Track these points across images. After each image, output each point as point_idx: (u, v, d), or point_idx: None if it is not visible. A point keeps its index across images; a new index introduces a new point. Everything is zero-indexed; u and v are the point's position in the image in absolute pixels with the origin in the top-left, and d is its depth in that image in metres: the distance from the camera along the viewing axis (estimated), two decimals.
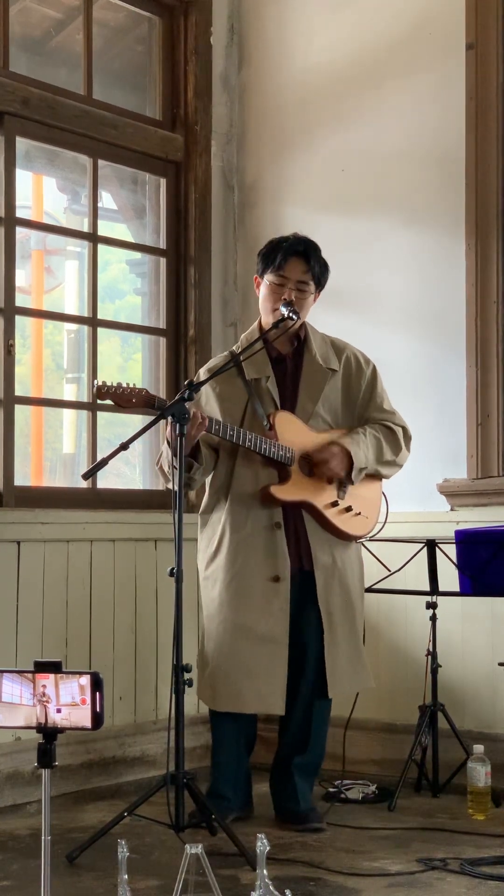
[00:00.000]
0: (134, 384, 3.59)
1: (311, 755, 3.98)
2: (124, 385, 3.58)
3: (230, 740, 3.98)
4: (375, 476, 4.05)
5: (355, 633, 3.97)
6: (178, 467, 3.53)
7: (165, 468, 3.84)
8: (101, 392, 3.58)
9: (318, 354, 4.00)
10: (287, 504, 3.87)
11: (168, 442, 3.72)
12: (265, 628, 3.82)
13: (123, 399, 3.59)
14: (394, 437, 4.02)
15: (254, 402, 3.90)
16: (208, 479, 4.00)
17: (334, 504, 3.92)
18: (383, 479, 4.10)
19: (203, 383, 3.80)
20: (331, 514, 3.90)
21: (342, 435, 3.94)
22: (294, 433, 3.89)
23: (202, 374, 4.07)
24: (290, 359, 4.00)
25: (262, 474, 3.87)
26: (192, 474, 3.84)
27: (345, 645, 3.92)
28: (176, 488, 3.56)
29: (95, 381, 3.64)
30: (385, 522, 4.06)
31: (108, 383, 3.58)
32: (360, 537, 4.03)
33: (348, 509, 3.94)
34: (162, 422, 3.63)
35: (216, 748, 4.02)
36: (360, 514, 3.98)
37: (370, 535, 4.05)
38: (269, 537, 3.85)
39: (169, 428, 3.66)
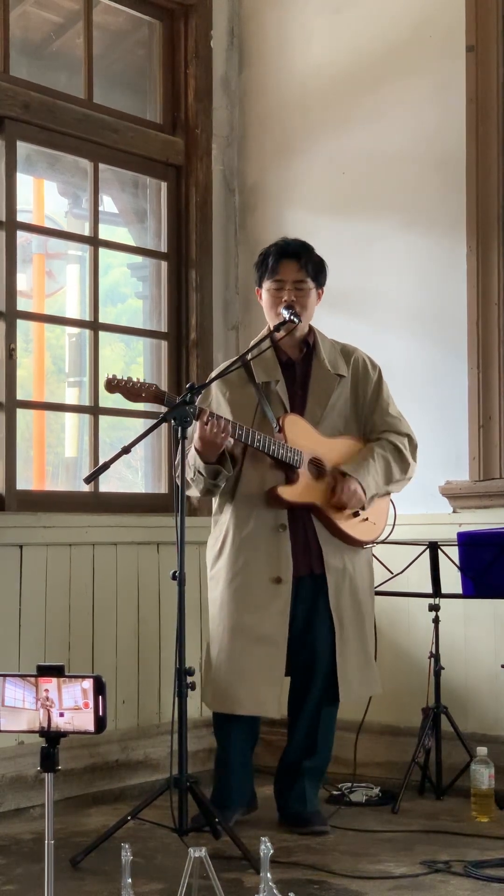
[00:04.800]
0: (144, 379, 3.61)
1: (319, 758, 3.97)
2: (134, 379, 3.60)
3: (238, 743, 3.95)
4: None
5: (365, 639, 3.97)
6: (181, 470, 3.54)
7: (190, 475, 3.81)
8: (111, 385, 3.60)
9: (326, 360, 3.99)
10: (294, 505, 3.86)
11: (197, 450, 3.72)
12: (264, 630, 3.81)
13: (133, 393, 3.61)
14: (401, 456, 4.00)
15: (263, 404, 3.90)
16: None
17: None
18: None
19: (206, 384, 3.81)
20: (338, 517, 3.90)
21: (353, 465, 3.91)
22: (303, 436, 3.88)
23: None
24: (299, 364, 4.00)
25: (268, 476, 3.86)
26: (218, 481, 3.83)
27: (355, 650, 3.92)
28: (183, 488, 3.58)
29: (107, 375, 3.64)
30: (393, 528, 4.06)
31: (119, 377, 3.60)
32: (368, 543, 4.01)
33: (356, 514, 3.93)
34: (191, 428, 3.62)
35: (223, 754, 3.98)
36: (367, 519, 3.97)
37: (377, 540, 4.05)
38: (272, 539, 3.85)
39: (197, 432, 3.67)
